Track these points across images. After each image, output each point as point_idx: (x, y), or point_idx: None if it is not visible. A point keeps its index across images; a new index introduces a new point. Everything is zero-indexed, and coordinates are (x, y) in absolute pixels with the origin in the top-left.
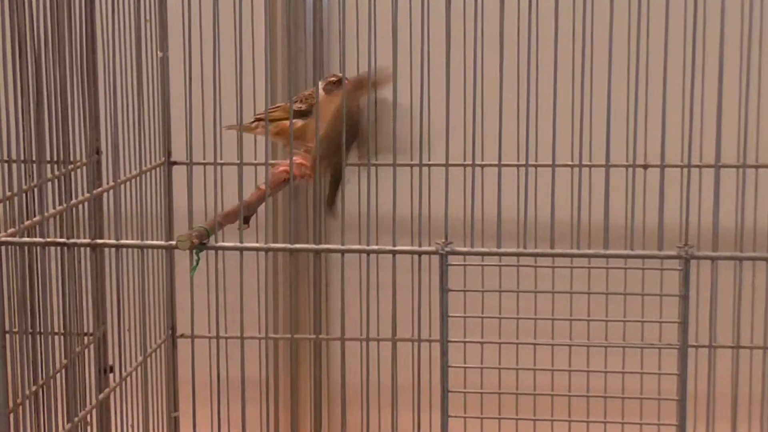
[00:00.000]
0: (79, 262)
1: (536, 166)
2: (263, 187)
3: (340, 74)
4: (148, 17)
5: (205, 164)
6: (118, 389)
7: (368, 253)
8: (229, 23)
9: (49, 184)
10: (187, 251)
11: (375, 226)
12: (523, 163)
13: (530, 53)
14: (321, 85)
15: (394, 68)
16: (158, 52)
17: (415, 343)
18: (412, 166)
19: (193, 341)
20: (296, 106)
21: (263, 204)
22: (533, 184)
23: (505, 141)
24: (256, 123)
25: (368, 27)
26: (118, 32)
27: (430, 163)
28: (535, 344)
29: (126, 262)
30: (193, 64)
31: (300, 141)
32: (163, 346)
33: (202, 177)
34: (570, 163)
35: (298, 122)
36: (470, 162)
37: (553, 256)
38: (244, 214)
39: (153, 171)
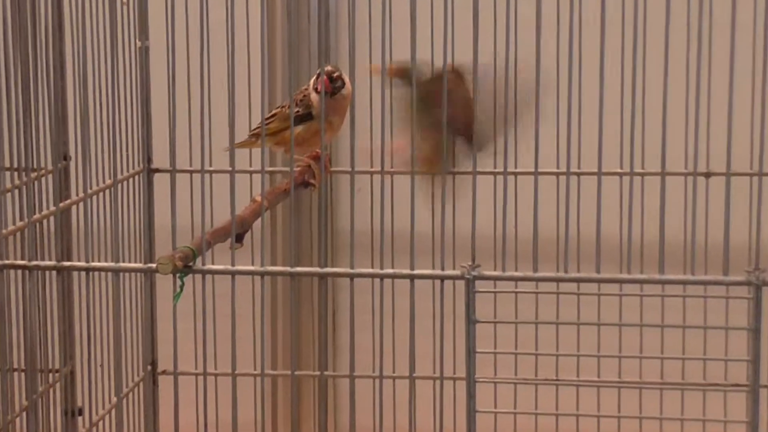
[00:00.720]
0: (44, 287)
1: (579, 174)
2: (259, 199)
3: (335, 70)
4: (124, 0)
5: (191, 172)
6: None
7: (382, 277)
8: (220, 7)
9: (9, 195)
10: (170, 275)
11: (390, 245)
12: (564, 170)
13: (572, 44)
14: (313, 84)
15: (413, 61)
16: (137, 42)
17: (437, 382)
18: (433, 174)
19: (176, 379)
20: (294, 110)
21: (259, 219)
22: (575, 196)
23: (542, 145)
24: (254, 138)
25: (382, 10)
26: (90, 18)
27: (455, 170)
28: (578, 384)
29: (98, 288)
30: (178, 55)
31: (303, 147)
32: (141, 384)
33: (188, 187)
34: (619, 170)
35: (297, 129)
36: (501, 169)
37: (599, 281)
38: (237, 231)
39: (130, 180)
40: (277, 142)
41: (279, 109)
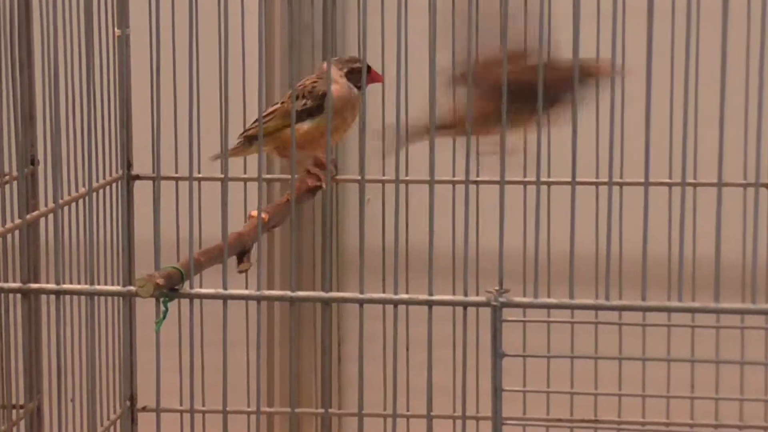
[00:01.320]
0: (8, 311)
1: (622, 185)
2: (255, 214)
3: (359, 59)
4: None
5: (177, 179)
6: None
7: (396, 303)
8: None
9: None
10: (152, 299)
11: (405, 265)
12: (605, 180)
13: (615, 36)
14: (338, 68)
15: (432, 52)
16: (115, 30)
17: (458, 422)
18: (454, 183)
19: (158, 416)
20: (299, 104)
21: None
22: (617, 209)
23: (581, 150)
24: (247, 143)
25: None
26: (61, 2)
27: (479, 179)
28: (619, 428)
29: (70, 313)
30: (162, 45)
31: (309, 149)
32: (118, 422)
33: (173, 197)
34: (668, 180)
35: (303, 126)
36: (533, 178)
37: (645, 310)
38: (238, 251)
39: (107, 188)
40: (277, 146)
41: (279, 105)
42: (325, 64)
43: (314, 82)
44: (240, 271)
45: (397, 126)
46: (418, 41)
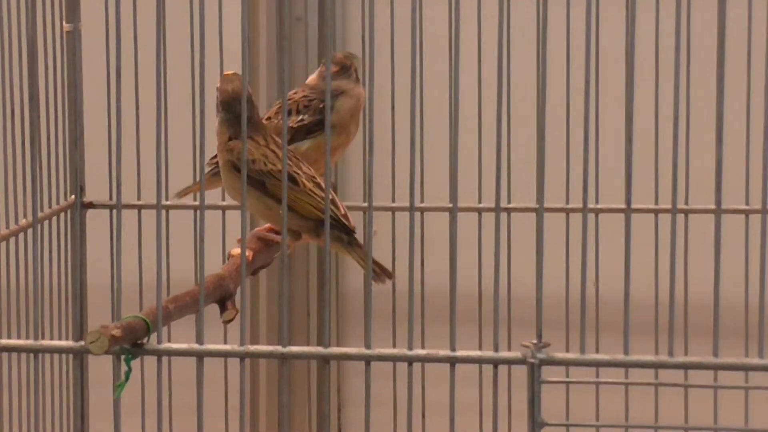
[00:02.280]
0: None
1: (687, 212)
2: (236, 253)
3: (347, 57)
4: None
5: (140, 207)
6: None
7: (410, 361)
8: None
9: None
10: (111, 357)
11: (420, 313)
12: (668, 206)
13: (679, 39)
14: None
15: (455, 51)
16: (63, 23)
17: None
18: (481, 210)
19: None
20: (293, 120)
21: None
22: (682, 242)
23: (636, 171)
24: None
25: None
26: None
27: (511, 206)
28: None
29: (10, 372)
30: (123, 43)
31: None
32: None
33: (135, 228)
34: (744, 207)
35: (301, 147)
36: (578, 205)
37: (717, 368)
38: (221, 295)
39: (55, 218)
40: None
41: (265, 121)
42: (310, 78)
43: (305, 95)
44: (225, 322)
45: (411, 136)
46: (437, 29)
